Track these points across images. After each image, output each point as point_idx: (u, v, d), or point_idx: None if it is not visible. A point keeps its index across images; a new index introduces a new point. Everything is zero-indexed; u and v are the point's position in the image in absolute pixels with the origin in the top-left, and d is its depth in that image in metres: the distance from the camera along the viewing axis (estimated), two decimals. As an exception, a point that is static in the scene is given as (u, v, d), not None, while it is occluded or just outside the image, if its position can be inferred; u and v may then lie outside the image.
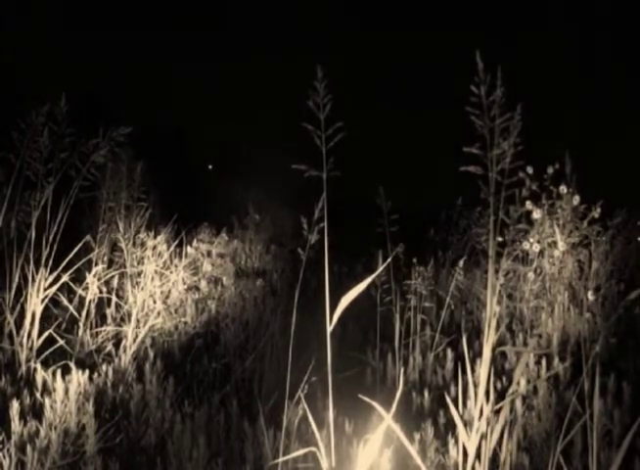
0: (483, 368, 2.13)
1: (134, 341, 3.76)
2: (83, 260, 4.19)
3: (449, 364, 3.65)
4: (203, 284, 5.38)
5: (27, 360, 3.46)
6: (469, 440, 2.13)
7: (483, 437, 2.13)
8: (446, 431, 2.80)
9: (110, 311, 4.38)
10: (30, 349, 3.52)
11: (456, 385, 3.22)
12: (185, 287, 5.08)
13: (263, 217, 7.76)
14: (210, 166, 12.55)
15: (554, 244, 4.46)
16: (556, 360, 3.38)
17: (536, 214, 4.50)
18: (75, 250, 4.00)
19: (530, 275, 4.50)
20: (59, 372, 2.95)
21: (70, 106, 3.78)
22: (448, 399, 2.24)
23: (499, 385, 3.20)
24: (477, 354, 3.64)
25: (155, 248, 5.07)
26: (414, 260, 4.46)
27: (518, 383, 2.88)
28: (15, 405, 2.66)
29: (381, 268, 2.51)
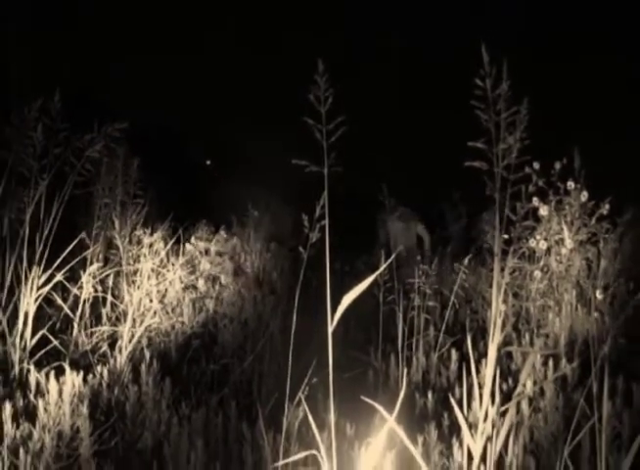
0: (489, 369, 2.13)
1: (130, 341, 3.76)
2: (78, 259, 4.19)
3: (453, 365, 3.65)
4: (200, 283, 5.38)
5: (20, 361, 3.47)
6: (474, 442, 2.13)
7: (489, 439, 2.13)
8: (451, 433, 2.80)
9: (105, 311, 4.38)
10: (23, 349, 3.53)
11: (461, 386, 3.21)
12: (182, 286, 5.08)
13: (263, 215, 7.76)
14: (209, 162, 12.54)
15: (561, 241, 4.45)
16: (563, 361, 3.38)
17: (543, 211, 4.49)
18: (70, 248, 4.00)
19: (537, 273, 4.49)
20: (52, 373, 2.95)
21: (65, 101, 3.78)
22: (452, 401, 2.24)
23: (505, 386, 3.20)
24: (482, 355, 3.63)
25: (151, 246, 5.07)
26: (418, 258, 4.46)
27: (524, 384, 2.87)
28: (7, 408, 2.67)
29: (383, 266, 2.51)
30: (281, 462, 2.34)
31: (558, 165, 4.55)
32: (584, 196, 4.45)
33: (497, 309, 2.13)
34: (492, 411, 2.12)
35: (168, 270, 4.98)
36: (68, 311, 4.00)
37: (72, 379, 2.99)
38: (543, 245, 4.48)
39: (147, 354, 3.53)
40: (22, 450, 2.51)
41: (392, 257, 2.79)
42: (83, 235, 4.67)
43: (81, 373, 3.11)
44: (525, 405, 2.83)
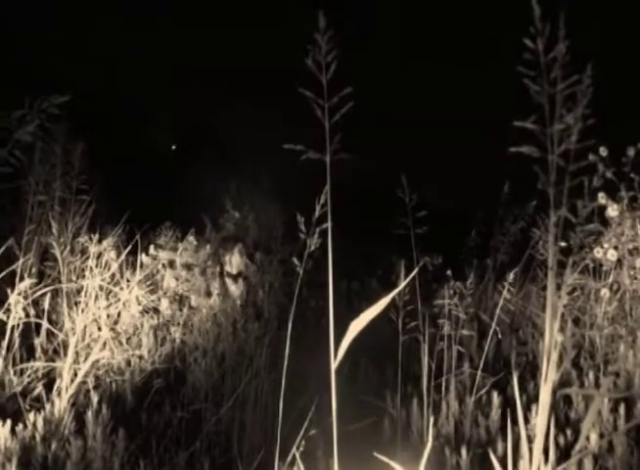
0: (541, 417, 2.14)
1: (72, 381, 3.77)
2: (4, 273, 4.20)
3: (495, 413, 3.65)
4: (164, 305, 5.39)
5: None
6: (522, 513, 2.13)
7: (541, 509, 2.13)
8: (491, 502, 2.80)
9: (39, 341, 4.38)
10: None
11: (504, 440, 3.22)
12: (140, 309, 5.08)
13: (246, 215, 7.77)
14: (174, 147, 12.55)
15: (636, 251, 4.45)
16: (638, 406, 3.38)
17: (612, 211, 4.49)
18: (-7, 259, 4.00)
19: (604, 293, 4.49)
20: (-29, 423, 2.95)
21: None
22: (494, 459, 2.24)
23: (562, 440, 3.20)
24: (532, 399, 3.64)
25: (99, 256, 5.07)
26: (448, 273, 4.46)
27: (587, 437, 2.87)
28: None
29: (404, 283, 2.52)
30: None
31: (631, 152, 4.55)
32: (666, 191, 4.45)
33: (552, 340, 2.13)
34: (546, 473, 2.12)
35: (122, 288, 4.99)
36: (-8, 342, 4.01)
37: (-3, 430, 2.99)
38: (612, 255, 4.48)
39: (94, 398, 3.53)
40: None
41: (415, 270, 2.79)
42: (11, 242, 4.67)
43: (8, 422, 3.11)
44: (588, 465, 2.83)
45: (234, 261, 6.76)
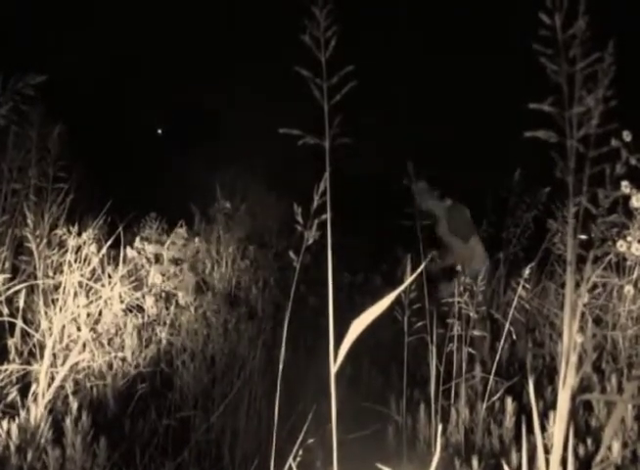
0: (559, 425, 2.14)
1: (49, 385, 3.77)
2: (-26, 268, 4.20)
3: (509, 420, 3.65)
4: (149, 303, 5.38)
5: None
6: (537, 529, 2.14)
7: (559, 525, 2.13)
8: (505, 517, 2.80)
9: (13, 342, 4.38)
10: None
11: (519, 450, 3.22)
12: (123, 307, 5.08)
13: (238, 206, 7.76)
14: (160, 131, 12.54)
15: (663, 244, 4.45)
16: (665, 414, 3.38)
17: (637, 201, 4.49)
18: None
19: (628, 290, 4.49)
20: (-61, 431, 2.95)
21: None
22: (507, 471, 2.24)
23: (582, 450, 3.20)
24: (549, 406, 3.65)
25: (79, 250, 5.07)
26: (458, 268, 4.46)
27: (609, 447, 2.88)
28: None
29: (410, 279, 2.51)
30: None
31: (658, 136, 4.55)
32: (696, 180, 4.45)
33: (571, 341, 2.13)
34: (564, 485, 2.12)
35: (103, 285, 4.98)
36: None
37: (-33, 439, 2.99)
38: (637, 249, 4.48)
39: (73, 404, 3.53)
40: None
41: (422, 265, 2.79)
42: (-19, 235, 4.67)
43: (-20, 431, 3.11)
44: (610, 477, 2.83)
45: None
